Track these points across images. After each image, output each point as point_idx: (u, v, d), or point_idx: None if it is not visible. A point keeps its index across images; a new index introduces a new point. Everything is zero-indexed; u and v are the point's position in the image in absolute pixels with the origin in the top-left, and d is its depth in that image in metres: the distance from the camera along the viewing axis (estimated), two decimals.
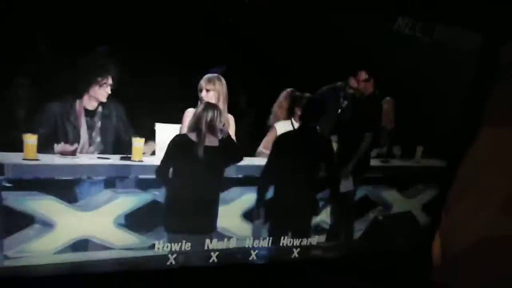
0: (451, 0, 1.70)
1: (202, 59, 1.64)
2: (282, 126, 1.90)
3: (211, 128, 1.64)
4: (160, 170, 1.65)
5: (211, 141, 1.66)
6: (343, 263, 2.09)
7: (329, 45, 1.77)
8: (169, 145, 1.64)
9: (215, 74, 1.69)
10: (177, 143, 1.64)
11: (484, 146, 0.63)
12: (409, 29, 1.78)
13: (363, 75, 1.91)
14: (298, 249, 1.98)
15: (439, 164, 2.16)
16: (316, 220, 2.01)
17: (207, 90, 1.68)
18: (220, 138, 1.67)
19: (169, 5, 1.45)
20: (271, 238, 1.91)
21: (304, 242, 1.98)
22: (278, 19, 1.62)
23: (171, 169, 1.67)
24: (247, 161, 1.82)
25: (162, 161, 1.64)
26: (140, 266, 1.74)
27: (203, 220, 1.75)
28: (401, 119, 2.12)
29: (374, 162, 2.08)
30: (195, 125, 1.63)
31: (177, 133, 1.69)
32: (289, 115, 1.93)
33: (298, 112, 1.91)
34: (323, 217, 2.03)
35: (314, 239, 2.00)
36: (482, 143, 0.64)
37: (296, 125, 1.93)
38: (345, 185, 1.96)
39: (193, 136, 1.64)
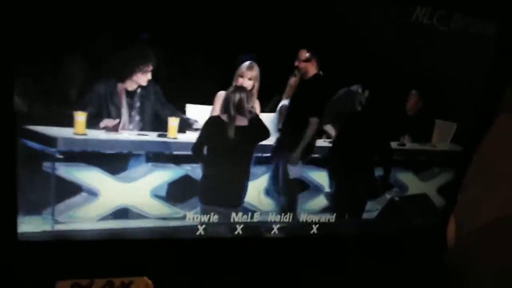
0: None
1: (233, 47, 1.78)
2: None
3: (240, 109, 1.81)
4: (195, 147, 1.83)
5: (240, 121, 1.83)
6: (357, 241, 2.20)
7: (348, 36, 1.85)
8: (203, 125, 1.81)
9: (252, 62, 1.84)
10: (210, 123, 1.81)
11: (500, 131, 0.67)
12: (427, 19, 1.87)
13: (304, 54, 1.85)
14: (317, 225, 2.12)
15: (454, 149, 2.24)
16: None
17: (249, 79, 1.83)
18: (249, 118, 1.84)
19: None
20: (292, 214, 2.06)
21: (323, 219, 2.12)
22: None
23: (205, 147, 1.84)
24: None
25: (197, 139, 1.82)
26: (172, 235, 1.91)
27: (233, 194, 1.93)
28: (422, 107, 2.19)
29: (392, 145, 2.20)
30: (226, 107, 1.80)
31: (207, 114, 1.85)
32: None
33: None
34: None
35: (332, 217, 2.13)
36: (498, 128, 0.67)
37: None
38: (295, 171, 1.98)
39: (224, 117, 1.81)
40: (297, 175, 2.02)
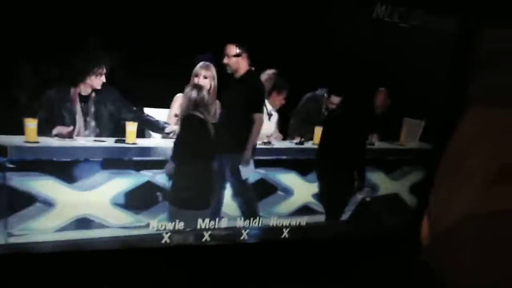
0: None
1: (190, 47, 1.74)
2: None
3: (207, 106, 1.77)
4: (178, 148, 1.76)
5: (213, 118, 1.82)
6: (331, 243, 2.16)
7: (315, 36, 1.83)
8: (183, 123, 1.77)
9: (209, 62, 1.80)
10: (191, 120, 1.77)
11: (466, 128, 0.65)
12: (388, 15, 1.86)
13: (232, 49, 1.75)
14: (288, 229, 2.08)
15: (423, 147, 2.23)
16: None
17: (204, 77, 1.79)
18: (218, 115, 1.82)
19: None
20: (261, 218, 2.01)
21: (294, 222, 2.08)
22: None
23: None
24: None
25: (179, 139, 1.76)
26: (136, 244, 1.85)
27: (204, 194, 1.90)
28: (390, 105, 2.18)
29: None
30: (194, 105, 1.75)
31: (164, 117, 1.81)
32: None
33: (275, 95, 2.01)
34: (309, 198, 2.12)
35: (303, 220, 2.09)
36: (464, 125, 0.65)
37: (269, 107, 2.04)
38: (247, 171, 1.92)
39: (200, 115, 1.77)
40: (249, 174, 1.95)
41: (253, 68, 1.84)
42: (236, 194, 1.95)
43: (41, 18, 1.47)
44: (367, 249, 2.15)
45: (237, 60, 1.79)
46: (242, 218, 1.98)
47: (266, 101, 2.00)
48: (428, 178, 2.25)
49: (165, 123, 1.82)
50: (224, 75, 1.83)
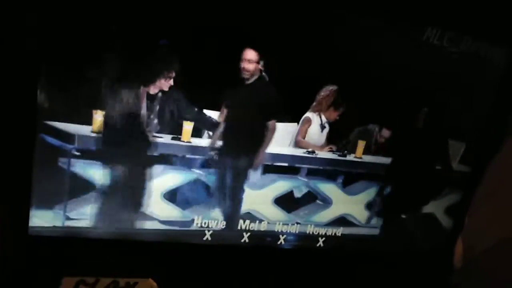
0: (479, 12, 1.83)
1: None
2: (316, 119, 2.11)
3: None
4: None
5: None
6: (364, 257, 2.19)
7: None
8: None
9: None
10: None
11: (509, 155, 0.67)
12: (437, 40, 1.93)
13: (250, 54, 1.76)
14: (324, 239, 2.12)
15: (462, 169, 2.26)
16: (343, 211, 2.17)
17: None
18: None
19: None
20: (299, 225, 2.07)
21: (329, 232, 2.13)
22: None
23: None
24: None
25: None
26: (179, 238, 1.93)
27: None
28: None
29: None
30: None
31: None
32: (321, 110, 2.09)
33: (332, 110, 2.09)
34: (350, 209, 2.17)
35: (339, 230, 2.14)
36: (507, 151, 0.67)
37: (324, 120, 2.11)
38: (255, 176, 1.96)
39: None
40: (256, 180, 1.98)
41: (264, 74, 1.84)
42: (230, 198, 1.97)
43: (127, 23, 1.59)
44: (399, 266, 2.18)
45: (255, 66, 1.81)
46: (282, 223, 2.04)
47: (322, 114, 2.09)
48: (465, 201, 2.27)
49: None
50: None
